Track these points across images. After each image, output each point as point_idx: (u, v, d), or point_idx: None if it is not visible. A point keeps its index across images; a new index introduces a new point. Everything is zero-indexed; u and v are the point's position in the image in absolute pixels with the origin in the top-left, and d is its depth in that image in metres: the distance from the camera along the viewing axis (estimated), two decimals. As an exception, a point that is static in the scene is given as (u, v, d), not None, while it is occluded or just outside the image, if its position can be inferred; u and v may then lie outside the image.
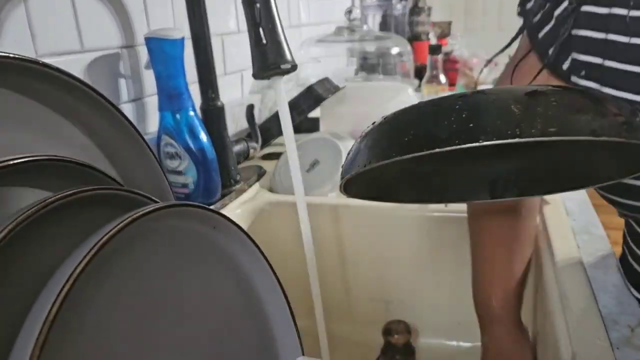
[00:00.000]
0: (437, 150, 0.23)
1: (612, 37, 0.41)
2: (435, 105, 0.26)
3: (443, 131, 0.24)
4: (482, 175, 0.36)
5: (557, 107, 0.23)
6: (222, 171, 0.67)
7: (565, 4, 0.45)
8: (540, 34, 0.47)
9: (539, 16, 0.48)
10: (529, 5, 0.49)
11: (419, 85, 1.14)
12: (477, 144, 0.22)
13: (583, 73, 0.44)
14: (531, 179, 0.35)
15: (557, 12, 0.45)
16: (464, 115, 0.24)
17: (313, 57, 1.15)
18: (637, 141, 0.24)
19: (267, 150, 0.91)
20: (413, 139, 0.25)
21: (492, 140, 0.22)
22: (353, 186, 0.32)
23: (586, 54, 0.44)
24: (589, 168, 0.33)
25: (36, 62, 0.32)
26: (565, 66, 0.45)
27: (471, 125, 0.23)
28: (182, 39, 0.60)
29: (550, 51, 0.45)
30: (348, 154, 0.30)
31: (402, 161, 0.30)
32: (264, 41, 0.39)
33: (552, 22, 0.46)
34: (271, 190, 0.75)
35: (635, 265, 0.53)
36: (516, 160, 0.35)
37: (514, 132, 0.22)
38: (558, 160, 0.34)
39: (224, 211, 0.56)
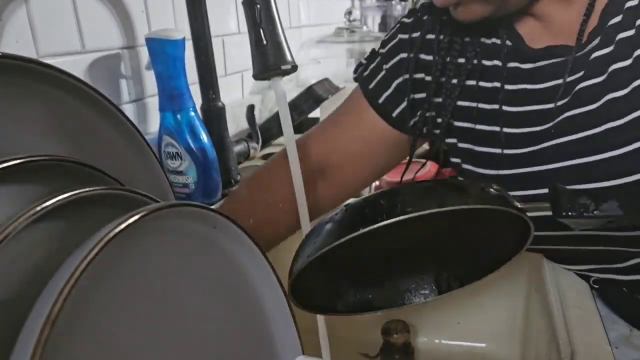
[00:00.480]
0: (334, 243, 0.30)
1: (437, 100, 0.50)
2: (354, 207, 0.32)
3: (336, 227, 0.31)
4: (425, 274, 0.40)
5: (413, 194, 0.30)
6: (222, 171, 0.67)
7: (405, 77, 0.52)
8: (381, 100, 0.53)
9: (374, 83, 0.54)
10: (365, 73, 0.56)
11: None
12: (356, 233, 0.29)
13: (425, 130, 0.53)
14: (462, 270, 0.39)
15: (396, 82, 0.53)
16: (348, 213, 0.31)
17: (313, 58, 1.15)
18: (488, 206, 0.30)
19: (268, 150, 0.91)
20: (335, 230, 0.31)
21: (371, 225, 0.29)
22: (302, 294, 0.36)
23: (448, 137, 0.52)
24: (496, 251, 0.38)
25: (37, 63, 0.32)
26: (410, 123, 0.53)
27: (370, 215, 0.29)
28: (183, 40, 0.60)
29: (395, 114, 0.53)
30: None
31: (344, 268, 0.37)
32: (264, 42, 0.39)
33: (391, 89, 0.53)
34: (271, 190, 0.75)
35: None
36: (443, 255, 0.40)
37: (382, 217, 0.29)
38: (468, 248, 0.39)
39: (224, 211, 0.56)
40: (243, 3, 0.40)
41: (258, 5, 0.39)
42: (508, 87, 0.47)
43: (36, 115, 0.34)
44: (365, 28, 1.22)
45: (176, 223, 0.32)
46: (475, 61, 0.49)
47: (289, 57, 0.40)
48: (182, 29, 0.61)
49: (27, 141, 0.33)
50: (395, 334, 0.57)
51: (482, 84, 0.49)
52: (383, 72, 0.54)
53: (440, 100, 0.51)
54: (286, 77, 0.41)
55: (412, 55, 0.52)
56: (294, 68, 0.40)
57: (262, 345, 0.39)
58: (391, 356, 0.58)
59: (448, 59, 0.50)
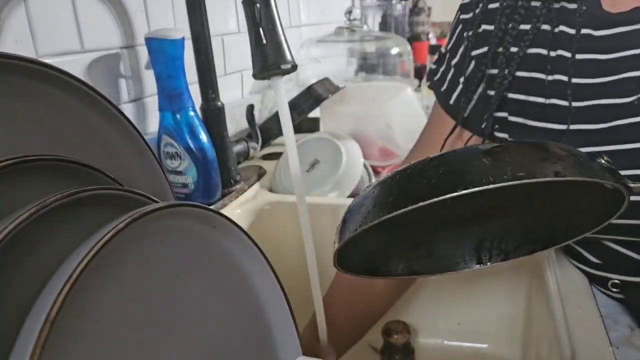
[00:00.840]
0: (419, 204, 0.25)
1: (512, 95, 0.46)
2: (411, 168, 0.28)
3: (421, 187, 0.26)
4: (466, 242, 0.37)
5: (521, 156, 0.26)
6: (222, 171, 0.67)
7: (470, 68, 0.49)
8: (451, 101, 0.51)
9: (446, 84, 0.52)
10: (436, 77, 0.54)
11: (419, 86, 1.14)
12: (455, 194, 0.24)
13: (497, 127, 0.49)
14: (513, 242, 0.37)
15: (462, 78, 0.50)
16: (440, 172, 0.26)
17: (313, 58, 1.15)
18: (596, 179, 0.26)
19: (267, 150, 0.91)
20: (394, 200, 0.27)
21: (469, 189, 0.24)
22: (347, 260, 0.34)
23: (499, 110, 0.48)
24: (564, 223, 0.35)
25: (36, 62, 0.32)
26: (482, 124, 0.49)
27: (447, 178, 0.25)
28: (183, 39, 0.60)
29: (466, 113, 0.50)
30: (337, 227, 0.32)
31: (390, 228, 0.32)
32: (264, 41, 0.39)
33: (460, 87, 0.51)
34: (271, 190, 0.75)
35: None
36: (497, 224, 0.36)
37: (487, 179, 0.24)
38: (535, 218, 0.36)
39: (224, 211, 0.56)
40: (243, 2, 0.40)
41: (258, 5, 0.39)
42: (577, 56, 0.42)
43: (35, 115, 0.34)
44: (365, 27, 1.22)
45: (175, 223, 0.32)
46: (541, 27, 0.44)
47: (288, 57, 0.40)
48: (181, 29, 0.61)
49: (26, 141, 0.33)
50: (395, 335, 0.57)
51: (544, 51, 0.44)
52: (452, 70, 0.52)
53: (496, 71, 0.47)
54: (286, 77, 0.41)
55: (472, 32, 0.48)
56: (294, 67, 0.40)
57: (262, 345, 0.39)
58: (392, 357, 0.58)
59: (510, 25, 0.46)
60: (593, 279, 0.48)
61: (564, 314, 0.43)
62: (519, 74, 0.46)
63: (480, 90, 0.49)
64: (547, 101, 0.44)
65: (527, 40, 0.45)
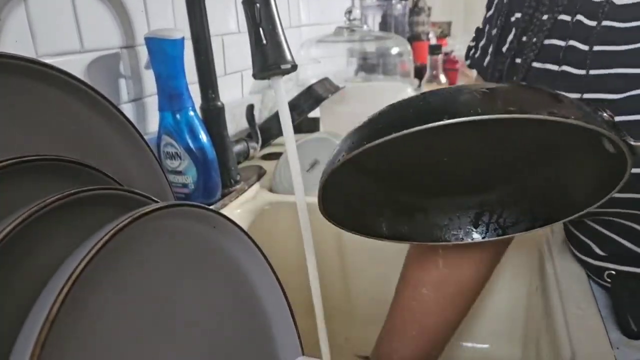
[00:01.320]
0: (401, 132, 0.24)
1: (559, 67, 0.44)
2: (405, 100, 0.27)
3: (410, 116, 0.25)
4: (464, 214, 0.36)
5: (516, 93, 0.25)
6: (222, 171, 0.67)
7: (510, 38, 0.47)
8: (496, 73, 0.49)
9: (487, 58, 0.50)
10: (477, 54, 0.52)
11: (419, 85, 1.14)
12: (439, 123, 0.23)
13: None
14: (512, 217, 0.35)
15: (504, 48, 0.48)
16: (430, 102, 0.25)
17: (313, 58, 1.15)
18: (594, 127, 0.24)
19: (267, 150, 0.91)
20: (382, 127, 0.26)
21: (454, 118, 0.23)
22: (333, 206, 0.32)
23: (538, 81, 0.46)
24: (565, 198, 0.34)
25: (36, 62, 0.32)
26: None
27: (435, 107, 0.24)
28: (182, 39, 0.60)
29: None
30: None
31: (380, 184, 0.30)
32: (264, 41, 0.39)
33: (507, 60, 0.48)
34: (271, 190, 0.75)
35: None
36: (497, 196, 0.35)
37: (475, 110, 0.23)
38: (536, 191, 0.34)
39: (224, 211, 0.56)
40: (243, 2, 0.40)
41: (258, 5, 0.39)
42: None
43: (35, 115, 0.34)
44: (365, 27, 1.22)
45: (175, 223, 0.32)
46: None
47: (288, 57, 0.40)
48: (181, 29, 0.61)
49: (25, 141, 0.33)
50: (395, 334, 0.57)
51: (579, 17, 0.43)
52: (495, 41, 0.50)
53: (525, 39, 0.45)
54: (286, 77, 0.41)
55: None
56: (294, 67, 0.40)
57: (262, 345, 0.39)
58: (391, 356, 0.58)
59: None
60: (590, 270, 0.49)
61: (564, 314, 0.43)
62: (548, 42, 0.44)
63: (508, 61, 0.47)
64: (560, 68, 0.43)
65: (560, 6, 0.44)
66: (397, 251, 0.70)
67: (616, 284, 0.46)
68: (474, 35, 0.54)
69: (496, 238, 0.35)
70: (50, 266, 0.27)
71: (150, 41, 0.59)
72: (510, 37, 0.48)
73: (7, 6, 0.50)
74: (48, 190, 0.30)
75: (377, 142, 0.25)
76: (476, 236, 0.36)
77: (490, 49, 0.51)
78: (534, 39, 0.44)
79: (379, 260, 0.70)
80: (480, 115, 0.23)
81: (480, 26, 0.53)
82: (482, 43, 0.52)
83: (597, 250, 0.47)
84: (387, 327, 0.54)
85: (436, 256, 0.50)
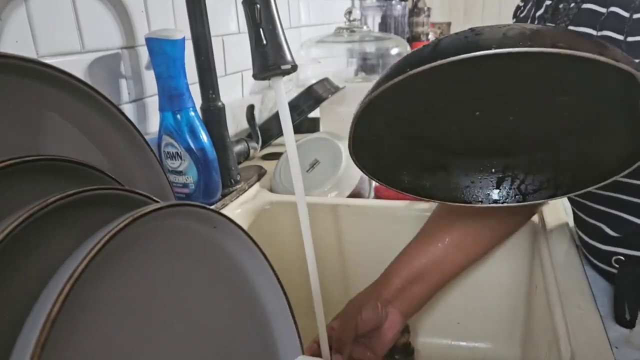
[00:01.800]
0: (451, 59, 0.23)
1: (608, 33, 0.42)
2: (451, 35, 0.26)
3: (455, 46, 0.24)
4: (487, 177, 0.36)
5: (565, 33, 0.25)
6: (222, 171, 0.67)
7: (546, 2, 0.46)
8: None
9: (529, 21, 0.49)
10: (522, 14, 0.51)
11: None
12: (489, 52, 0.22)
13: None
14: (535, 184, 0.35)
15: (539, 13, 0.47)
16: (476, 34, 0.25)
17: (313, 58, 1.15)
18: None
19: (268, 150, 0.91)
20: (429, 54, 0.25)
21: (504, 48, 0.22)
22: (360, 151, 0.32)
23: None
24: (590, 166, 0.33)
25: (37, 63, 0.32)
26: None
27: (483, 37, 0.24)
28: (183, 40, 0.60)
29: None
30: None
31: (406, 135, 0.29)
32: (264, 42, 0.39)
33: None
34: (271, 190, 0.75)
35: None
36: (521, 160, 0.35)
37: (525, 43, 0.23)
38: (562, 154, 0.34)
39: (224, 211, 0.56)
40: (243, 3, 0.40)
41: (258, 5, 0.39)
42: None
43: (35, 115, 0.34)
44: (365, 28, 1.22)
45: (176, 223, 0.32)
46: None
47: (288, 57, 0.40)
48: (181, 29, 0.61)
49: (26, 141, 0.33)
50: (395, 334, 0.57)
51: (597, 8, 0.42)
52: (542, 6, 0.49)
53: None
54: (286, 77, 0.41)
55: None
56: (294, 68, 0.40)
57: (262, 345, 0.39)
58: (391, 356, 0.58)
59: None
60: (598, 257, 0.48)
61: (563, 313, 0.43)
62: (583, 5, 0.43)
63: None
64: (599, 33, 0.41)
65: None
66: (397, 252, 0.70)
67: (623, 270, 0.45)
68: None
69: (515, 204, 0.34)
70: (51, 266, 0.27)
71: (151, 41, 0.59)
72: (547, 1, 0.47)
73: (8, 6, 0.50)
74: (48, 190, 0.30)
75: (425, 67, 0.24)
76: (496, 198, 0.35)
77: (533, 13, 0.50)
78: (571, 4, 0.43)
79: (379, 260, 0.70)
80: (530, 48, 0.22)
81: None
82: (529, 5, 0.51)
83: (608, 231, 0.47)
84: (390, 271, 0.56)
85: (459, 218, 0.52)
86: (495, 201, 0.36)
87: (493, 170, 0.36)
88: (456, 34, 0.26)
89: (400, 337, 0.57)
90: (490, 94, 0.27)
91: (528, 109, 0.31)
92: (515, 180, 0.36)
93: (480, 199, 0.36)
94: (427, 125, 0.32)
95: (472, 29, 0.26)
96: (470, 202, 0.36)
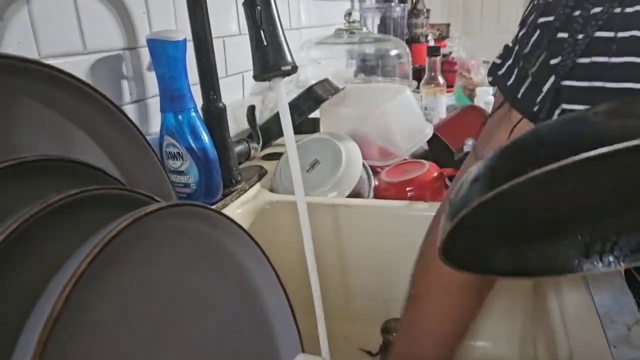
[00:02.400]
0: (550, 167, 0.20)
1: (596, 83, 0.42)
2: (544, 127, 0.23)
3: (549, 150, 0.21)
4: (572, 242, 0.32)
5: None
6: (223, 171, 0.67)
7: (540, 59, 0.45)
8: (519, 95, 0.48)
9: (513, 77, 0.49)
10: (500, 72, 0.50)
11: (418, 87, 1.14)
12: (614, 147, 0.19)
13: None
14: (629, 245, 0.31)
15: (533, 70, 0.46)
16: (563, 133, 0.21)
17: (313, 59, 1.15)
18: None
19: (268, 150, 0.91)
20: (547, 152, 0.21)
21: (625, 142, 0.19)
22: (454, 250, 0.29)
23: (571, 102, 0.44)
24: None
25: (39, 64, 0.33)
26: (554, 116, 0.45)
27: (578, 139, 0.20)
28: (184, 41, 0.60)
29: (535, 109, 0.46)
30: (451, 198, 0.26)
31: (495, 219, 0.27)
32: (265, 43, 0.39)
33: (529, 80, 0.47)
34: (272, 190, 0.76)
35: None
36: (610, 222, 0.31)
37: (630, 135, 0.19)
38: None
39: (225, 211, 0.56)
40: (244, 4, 0.40)
41: (259, 7, 0.39)
42: None
43: (38, 116, 0.34)
44: (365, 29, 1.22)
45: (177, 223, 0.32)
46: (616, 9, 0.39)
47: (289, 58, 0.40)
48: (183, 30, 0.61)
49: (28, 141, 0.33)
50: (394, 333, 0.57)
51: (620, 34, 0.40)
52: (521, 62, 0.48)
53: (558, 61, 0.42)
54: (286, 78, 0.42)
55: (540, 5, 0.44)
56: (294, 69, 0.40)
57: (263, 343, 0.39)
58: (387, 354, 0.58)
59: (578, 13, 0.42)
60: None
61: (562, 313, 0.43)
62: (581, 61, 0.42)
63: (550, 82, 0.44)
64: (616, 85, 0.39)
65: (596, 24, 0.41)
66: (396, 251, 0.70)
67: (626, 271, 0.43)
68: (501, 52, 0.53)
69: (612, 269, 0.31)
70: (53, 266, 0.27)
71: (153, 43, 0.60)
72: (540, 60, 0.45)
73: (10, 7, 0.51)
74: (50, 190, 0.30)
75: (545, 169, 0.20)
76: (588, 267, 0.32)
77: (517, 69, 0.49)
78: (580, 35, 0.41)
79: (379, 260, 0.70)
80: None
81: (510, 44, 0.53)
82: (509, 62, 0.51)
83: None
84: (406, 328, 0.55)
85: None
86: (587, 268, 0.32)
87: (579, 237, 0.32)
88: (572, 118, 0.22)
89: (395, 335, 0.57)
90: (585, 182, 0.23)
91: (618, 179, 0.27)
92: (605, 245, 0.32)
93: (569, 269, 0.32)
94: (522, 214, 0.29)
95: (594, 111, 0.22)
96: (560, 273, 0.32)
